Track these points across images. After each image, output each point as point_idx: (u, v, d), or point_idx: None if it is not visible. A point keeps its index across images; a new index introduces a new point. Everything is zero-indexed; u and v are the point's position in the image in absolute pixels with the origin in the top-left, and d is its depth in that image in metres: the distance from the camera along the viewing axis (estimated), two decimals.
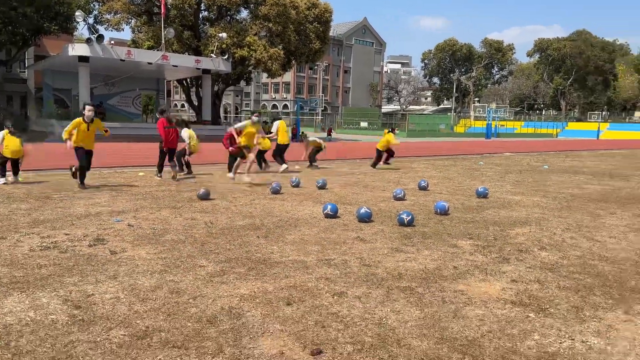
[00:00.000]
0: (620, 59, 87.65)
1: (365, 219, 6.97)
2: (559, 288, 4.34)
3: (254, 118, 11.51)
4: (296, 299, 3.90)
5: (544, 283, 4.46)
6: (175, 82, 53.75)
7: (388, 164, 15.71)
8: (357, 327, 3.40)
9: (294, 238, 5.92)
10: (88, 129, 9.36)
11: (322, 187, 10.28)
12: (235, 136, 11.40)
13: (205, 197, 8.50)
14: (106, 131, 9.87)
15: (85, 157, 9.42)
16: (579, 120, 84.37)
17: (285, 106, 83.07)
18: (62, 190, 9.11)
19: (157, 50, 33.04)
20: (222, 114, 49.91)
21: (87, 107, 9.47)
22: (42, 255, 4.91)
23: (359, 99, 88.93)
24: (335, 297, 3.96)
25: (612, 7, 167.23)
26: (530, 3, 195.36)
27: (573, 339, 3.31)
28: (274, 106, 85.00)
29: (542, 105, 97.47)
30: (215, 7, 37.60)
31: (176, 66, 32.55)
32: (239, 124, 11.75)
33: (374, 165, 15.45)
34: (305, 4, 39.58)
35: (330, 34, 47.41)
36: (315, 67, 74.64)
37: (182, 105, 75.33)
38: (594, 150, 31.79)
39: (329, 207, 7.29)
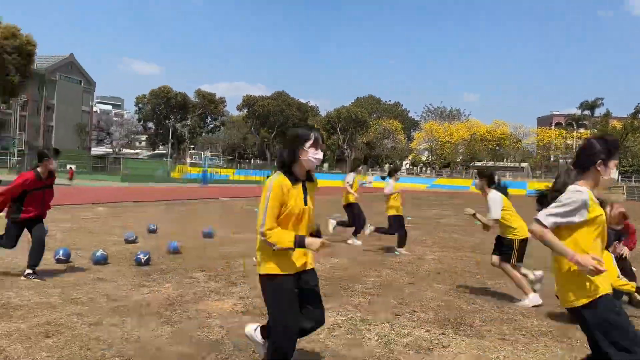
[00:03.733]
0: (312, 119, 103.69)
1: (101, 261, 7.22)
2: None
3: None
4: (54, 332, 4.16)
5: None
6: None
7: None
8: (120, 345, 3.95)
9: (29, 284, 5.84)
10: None
11: None
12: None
13: None
14: None
15: None
16: None
17: None
18: None
19: None
20: None
21: None
22: None
23: (65, 139, 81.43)
24: (92, 327, 4.36)
25: (303, 73, 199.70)
26: (237, 62, 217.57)
27: None
28: None
29: (251, 155, 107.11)
30: None
31: None
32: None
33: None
34: (1, 32, 35.35)
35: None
36: (11, 103, 65.67)
37: None
38: None
39: (61, 251, 7.25)
